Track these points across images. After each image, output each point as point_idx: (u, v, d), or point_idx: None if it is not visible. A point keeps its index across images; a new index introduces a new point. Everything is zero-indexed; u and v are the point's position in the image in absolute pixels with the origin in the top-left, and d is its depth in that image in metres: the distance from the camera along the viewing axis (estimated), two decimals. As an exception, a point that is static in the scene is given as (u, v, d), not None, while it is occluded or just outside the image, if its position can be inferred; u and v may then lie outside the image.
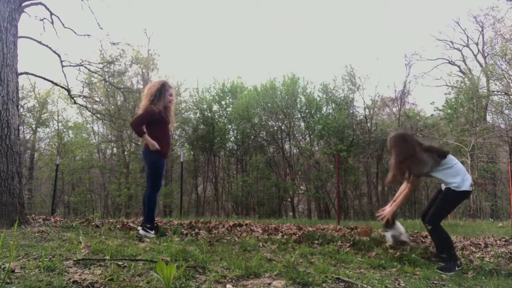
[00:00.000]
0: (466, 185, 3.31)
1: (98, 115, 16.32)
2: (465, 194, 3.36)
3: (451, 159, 3.42)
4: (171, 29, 42.05)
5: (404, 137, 3.48)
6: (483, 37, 20.63)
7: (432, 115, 20.10)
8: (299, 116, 19.78)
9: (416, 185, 3.60)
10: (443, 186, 3.46)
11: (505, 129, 17.08)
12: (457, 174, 3.34)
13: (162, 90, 4.21)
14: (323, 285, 2.37)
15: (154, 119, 4.12)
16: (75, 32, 9.56)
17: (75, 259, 2.35)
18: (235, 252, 3.27)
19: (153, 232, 4.02)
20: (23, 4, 5.23)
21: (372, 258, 3.54)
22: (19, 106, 7.19)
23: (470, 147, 15.93)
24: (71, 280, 1.91)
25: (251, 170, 19.49)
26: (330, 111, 19.55)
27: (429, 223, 3.46)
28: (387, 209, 3.73)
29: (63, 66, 10.82)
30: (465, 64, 21.61)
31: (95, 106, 17.54)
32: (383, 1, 40.39)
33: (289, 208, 19.94)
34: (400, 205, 3.64)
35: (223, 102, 21.26)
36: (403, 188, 3.63)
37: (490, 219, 13.68)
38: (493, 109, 19.10)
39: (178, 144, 20.71)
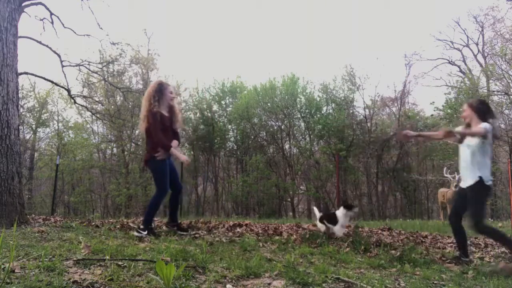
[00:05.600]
0: None
1: (98, 115, 16.29)
2: None
3: None
4: (171, 29, 42.06)
5: None
6: (483, 37, 20.64)
7: (432, 115, 20.07)
8: (299, 116, 19.77)
9: None
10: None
11: (505, 129, 17.07)
12: None
13: (160, 89, 4.15)
14: (323, 285, 2.37)
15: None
16: (75, 32, 9.52)
17: (75, 259, 2.35)
18: (235, 252, 3.27)
19: (145, 233, 3.95)
20: (23, 4, 5.22)
21: (372, 258, 3.54)
22: (19, 106, 7.18)
23: (470, 147, 15.89)
24: (71, 280, 1.91)
25: (251, 170, 19.49)
26: (330, 111, 19.54)
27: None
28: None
29: (63, 66, 10.78)
30: (465, 64, 21.61)
31: (95, 106, 17.51)
32: (383, 1, 40.41)
33: (289, 208, 19.93)
34: None
35: (223, 102, 21.26)
36: None
37: (490, 219, 13.67)
38: (493, 109, 19.06)
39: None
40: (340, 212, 4.69)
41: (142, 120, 4.22)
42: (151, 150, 4.13)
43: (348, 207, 4.72)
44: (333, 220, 4.67)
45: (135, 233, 4.00)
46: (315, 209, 5.31)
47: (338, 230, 4.62)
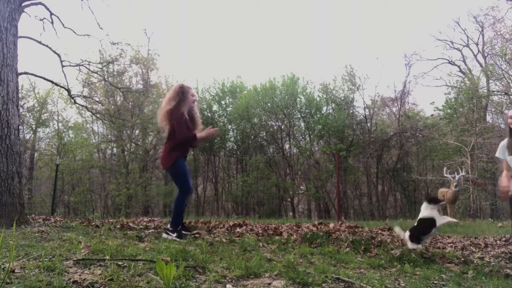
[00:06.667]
0: None
1: (98, 115, 16.30)
2: None
3: None
4: (171, 29, 42.08)
5: None
6: (483, 37, 20.64)
7: (432, 115, 20.10)
8: (299, 116, 19.78)
9: None
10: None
11: (505, 129, 17.06)
12: None
13: (183, 92, 4.18)
14: (323, 285, 2.37)
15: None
16: (75, 32, 9.55)
17: (75, 259, 2.35)
18: (235, 252, 3.27)
19: (175, 235, 3.95)
20: (23, 4, 5.23)
21: (372, 258, 3.54)
22: (19, 106, 7.19)
23: (470, 147, 15.92)
24: (71, 280, 1.91)
25: (251, 170, 19.48)
26: (330, 111, 19.54)
27: None
28: None
29: (63, 66, 10.81)
30: (465, 64, 21.61)
31: (95, 106, 17.52)
32: (383, 1, 40.42)
33: (289, 208, 19.93)
34: None
35: (223, 102, 21.25)
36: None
37: (490, 219, 13.66)
38: (493, 109, 19.09)
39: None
40: (427, 210, 3.93)
41: (165, 123, 4.17)
42: (170, 152, 4.12)
43: (434, 201, 4.01)
44: (431, 224, 3.91)
45: (164, 235, 3.99)
46: (397, 229, 4.40)
47: (449, 220, 3.99)
